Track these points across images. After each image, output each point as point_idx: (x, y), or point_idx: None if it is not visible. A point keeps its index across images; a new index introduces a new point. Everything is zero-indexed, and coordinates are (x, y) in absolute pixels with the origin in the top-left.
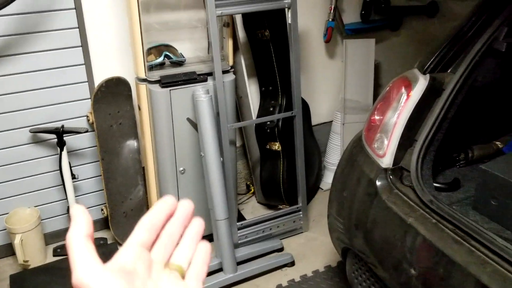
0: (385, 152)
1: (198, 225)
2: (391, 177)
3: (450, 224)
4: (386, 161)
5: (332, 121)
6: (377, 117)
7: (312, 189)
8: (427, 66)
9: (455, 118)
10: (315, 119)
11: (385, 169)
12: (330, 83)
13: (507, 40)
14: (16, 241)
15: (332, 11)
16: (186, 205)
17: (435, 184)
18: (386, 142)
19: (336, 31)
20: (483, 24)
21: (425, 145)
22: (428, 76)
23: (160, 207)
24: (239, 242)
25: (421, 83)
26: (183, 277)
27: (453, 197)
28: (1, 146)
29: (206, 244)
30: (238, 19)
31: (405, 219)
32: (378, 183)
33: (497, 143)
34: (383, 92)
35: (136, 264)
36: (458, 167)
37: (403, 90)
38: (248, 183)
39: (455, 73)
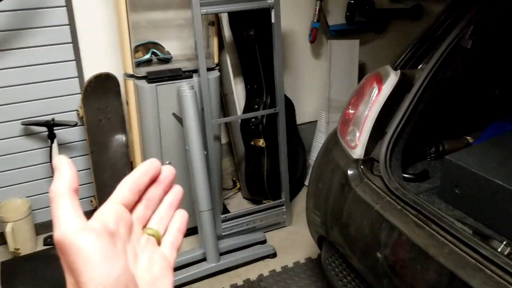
0: (357, 144)
1: (177, 193)
2: (362, 167)
3: (413, 210)
4: (358, 152)
5: (317, 120)
6: (351, 111)
7: (297, 186)
8: (398, 62)
9: (426, 112)
10: (301, 118)
11: (357, 160)
12: (316, 82)
13: (472, 37)
14: (8, 229)
15: (316, 12)
16: (169, 171)
17: (404, 175)
18: (358, 134)
19: (321, 32)
20: (451, 23)
21: (394, 136)
22: (399, 72)
23: (145, 169)
24: (223, 234)
25: (392, 78)
26: (158, 243)
27: (421, 187)
28: None
29: (183, 212)
30: (224, 19)
31: (373, 206)
32: (349, 172)
33: (468, 138)
34: (357, 87)
35: (118, 225)
36: (429, 160)
37: (374, 85)
38: (234, 179)
39: (424, 69)
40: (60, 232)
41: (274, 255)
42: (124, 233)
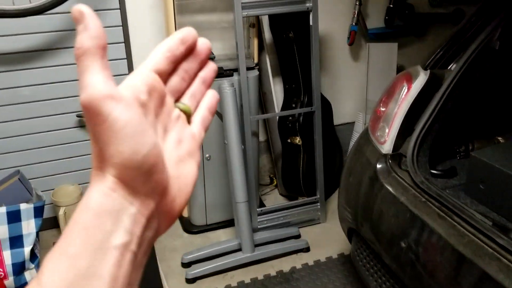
0: (386, 140)
1: (212, 69)
2: (390, 161)
3: (437, 202)
4: (386, 148)
5: (355, 121)
6: (381, 109)
7: (333, 185)
8: (428, 62)
9: (455, 111)
10: (338, 119)
11: (385, 155)
12: (354, 84)
13: (500, 39)
14: (60, 213)
15: (355, 16)
16: (205, 44)
17: (432, 171)
18: (387, 130)
19: (360, 35)
20: (480, 26)
21: (422, 133)
22: (428, 71)
23: (182, 35)
24: (258, 227)
25: (421, 78)
26: (189, 121)
27: (448, 183)
28: (51, 128)
29: (214, 92)
30: (265, 21)
31: (398, 198)
32: (378, 166)
33: (499, 138)
34: (388, 85)
35: (150, 96)
36: (459, 158)
37: (404, 83)
38: (271, 175)
39: (453, 69)
40: (87, 96)
41: (307, 249)
42: (156, 105)
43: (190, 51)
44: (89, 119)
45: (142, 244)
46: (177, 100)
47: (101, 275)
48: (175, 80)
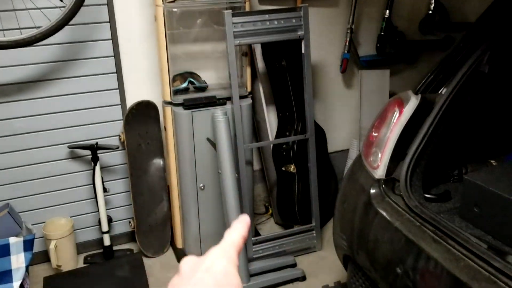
0: (379, 165)
1: None
2: (383, 186)
3: (431, 226)
4: (379, 173)
5: (349, 148)
6: (374, 134)
7: (328, 212)
8: (419, 87)
9: (448, 135)
10: (333, 147)
11: (379, 180)
12: (347, 111)
13: (489, 63)
14: (51, 247)
15: (347, 44)
16: None
17: (426, 195)
18: (380, 155)
19: (352, 62)
20: (470, 50)
21: (415, 157)
22: (419, 96)
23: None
24: (254, 256)
25: (413, 102)
26: None
27: (443, 207)
28: (42, 160)
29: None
30: (258, 50)
31: (393, 223)
32: (371, 191)
33: (492, 161)
34: (380, 111)
35: None
36: (453, 182)
37: (396, 108)
38: (266, 204)
39: (444, 93)
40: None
41: (303, 278)
42: None
43: None
44: None
45: None
46: None
47: None
48: None
